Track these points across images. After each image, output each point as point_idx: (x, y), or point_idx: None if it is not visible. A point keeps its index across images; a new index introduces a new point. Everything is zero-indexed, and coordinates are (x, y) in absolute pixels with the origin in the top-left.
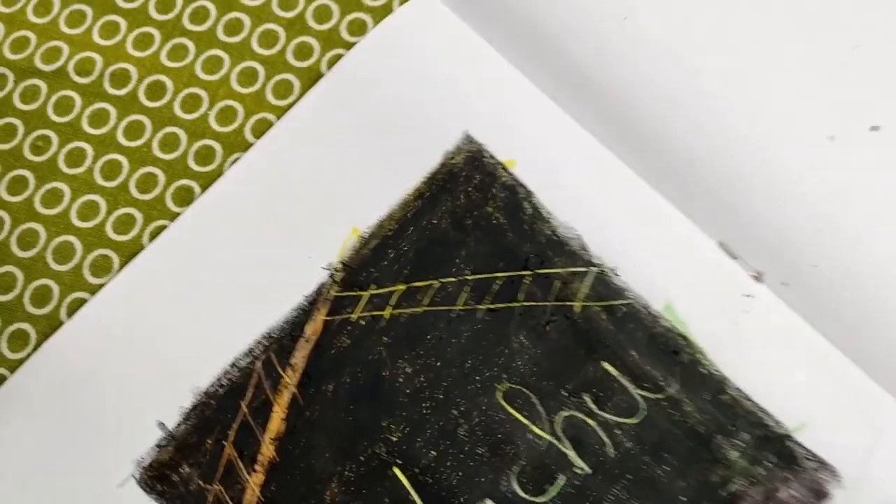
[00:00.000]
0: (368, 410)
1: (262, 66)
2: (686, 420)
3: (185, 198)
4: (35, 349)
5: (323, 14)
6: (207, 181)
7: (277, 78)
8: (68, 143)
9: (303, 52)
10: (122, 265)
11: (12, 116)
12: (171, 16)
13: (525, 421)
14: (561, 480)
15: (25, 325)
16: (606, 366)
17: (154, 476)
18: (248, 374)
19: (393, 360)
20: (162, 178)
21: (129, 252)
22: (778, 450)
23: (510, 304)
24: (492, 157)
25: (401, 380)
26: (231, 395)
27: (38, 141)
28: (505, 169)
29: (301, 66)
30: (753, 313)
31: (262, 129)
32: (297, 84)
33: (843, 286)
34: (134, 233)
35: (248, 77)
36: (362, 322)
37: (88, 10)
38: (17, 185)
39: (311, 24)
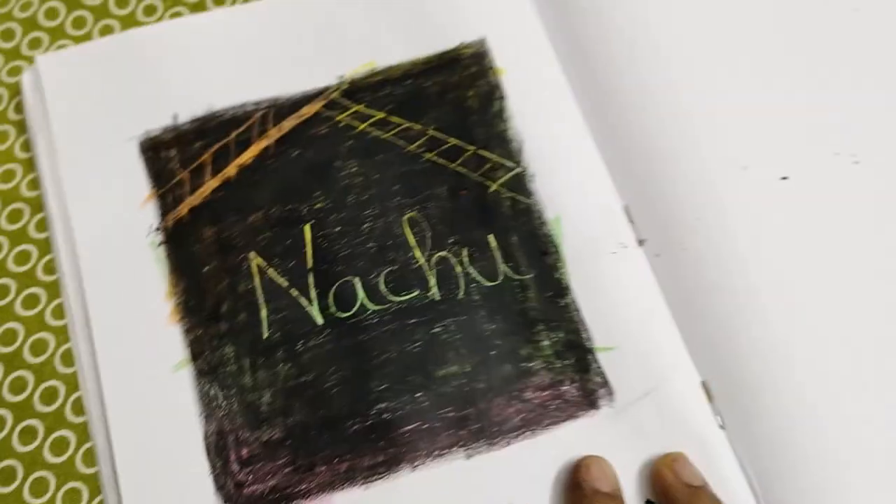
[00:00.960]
0: (311, 178)
1: None
2: (525, 302)
3: None
4: None
5: None
6: None
7: None
8: None
9: None
10: None
11: None
12: None
13: (413, 243)
14: (414, 292)
15: None
16: (490, 238)
17: (149, 147)
18: (250, 114)
19: (347, 158)
20: None
21: None
22: (579, 356)
23: (448, 163)
24: (491, 61)
25: (344, 172)
26: (230, 123)
27: None
28: (496, 73)
29: None
30: (618, 255)
31: None
32: None
33: (695, 269)
34: None
35: None
36: (340, 124)
37: None
38: None
39: None
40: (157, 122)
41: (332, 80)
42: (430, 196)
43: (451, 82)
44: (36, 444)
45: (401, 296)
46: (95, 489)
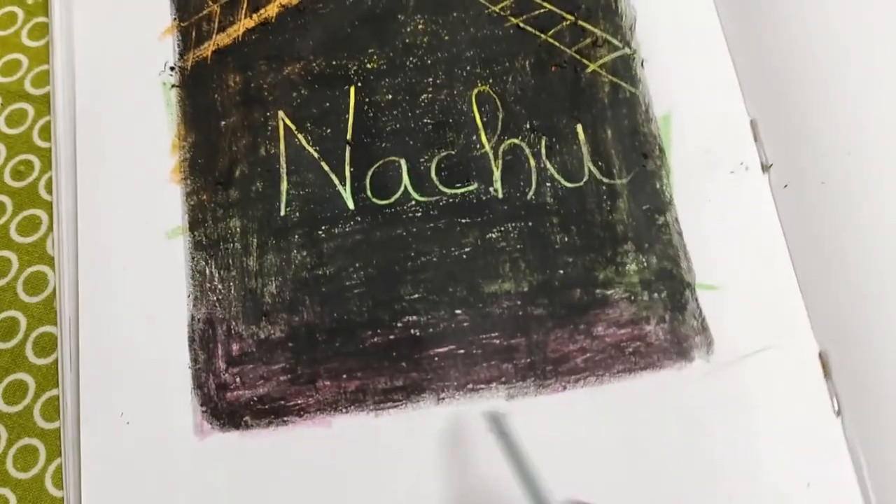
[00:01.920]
0: (367, 31)
1: None
2: (613, 213)
3: None
4: None
5: None
6: None
7: None
8: None
9: None
10: None
11: None
12: None
13: (479, 123)
14: (472, 186)
15: None
16: (578, 128)
17: None
18: None
19: (414, 11)
20: None
21: None
22: (673, 290)
23: (538, 33)
24: None
25: (408, 28)
26: None
27: None
28: None
29: None
30: (736, 176)
31: None
32: None
33: (834, 213)
34: None
35: None
36: None
37: None
38: None
39: None
40: None
41: None
42: (509, 69)
43: None
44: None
45: (454, 187)
46: (51, 377)
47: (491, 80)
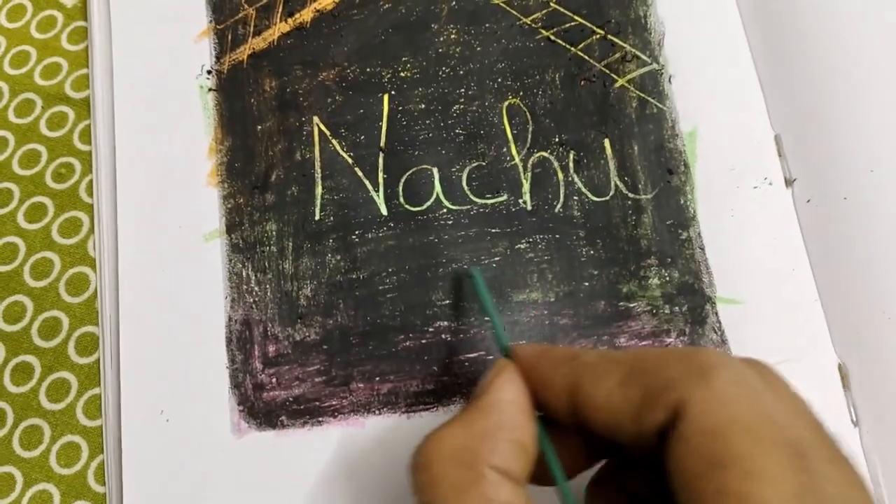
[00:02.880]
0: (401, 40)
1: None
2: (637, 227)
3: None
4: None
5: None
6: None
7: None
8: None
9: None
10: None
11: None
12: None
13: (510, 135)
14: (502, 197)
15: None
16: (606, 143)
17: None
18: None
19: (447, 21)
20: None
21: None
22: (694, 304)
23: (568, 46)
24: None
25: (441, 38)
26: None
27: None
28: None
29: None
30: (759, 191)
31: None
32: None
33: (855, 229)
34: None
35: None
36: None
37: None
38: None
39: None
40: None
41: None
42: (539, 82)
43: None
44: (48, 280)
45: (485, 198)
46: (93, 376)
47: (521, 93)
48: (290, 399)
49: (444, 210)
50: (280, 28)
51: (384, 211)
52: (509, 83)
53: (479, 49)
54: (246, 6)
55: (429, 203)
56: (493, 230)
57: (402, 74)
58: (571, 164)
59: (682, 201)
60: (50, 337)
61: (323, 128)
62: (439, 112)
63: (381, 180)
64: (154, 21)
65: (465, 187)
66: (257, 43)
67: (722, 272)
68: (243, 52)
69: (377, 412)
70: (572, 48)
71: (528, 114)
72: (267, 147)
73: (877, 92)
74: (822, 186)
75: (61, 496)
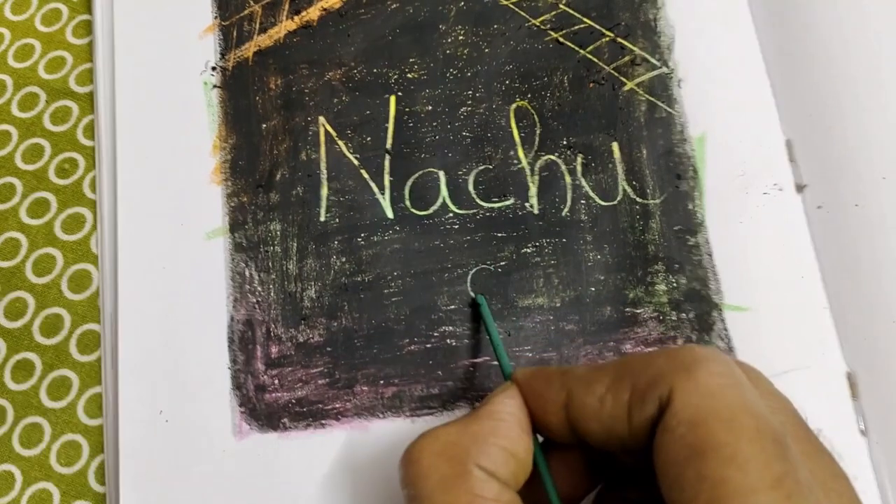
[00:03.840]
0: (408, 40)
1: None
2: (645, 233)
3: None
4: None
5: None
6: None
7: None
8: None
9: None
10: None
11: None
12: None
13: (517, 138)
14: (508, 201)
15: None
16: (614, 146)
17: None
18: None
19: (455, 22)
20: None
21: None
22: (701, 311)
23: (577, 48)
24: None
25: (448, 40)
26: None
27: None
28: None
29: None
30: (769, 197)
31: None
32: None
33: (867, 236)
34: None
35: None
36: None
37: None
38: None
39: None
40: None
41: None
42: (547, 84)
43: None
44: (51, 277)
45: (491, 201)
46: (94, 374)
47: (529, 95)
48: (293, 401)
49: (451, 214)
50: (286, 26)
51: (390, 214)
52: (517, 85)
53: (487, 51)
54: (252, 3)
55: (435, 207)
56: (500, 234)
57: (409, 75)
58: (579, 168)
59: (690, 207)
60: (51, 334)
61: (329, 128)
62: (446, 114)
63: (387, 183)
64: (158, 16)
65: (472, 191)
66: (263, 40)
67: (730, 279)
68: (248, 50)
69: (381, 415)
70: (581, 51)
71: (535, 116)
72: (272, 146)
73: (890, 98)
74: (834, 193)
75: (61, 495)
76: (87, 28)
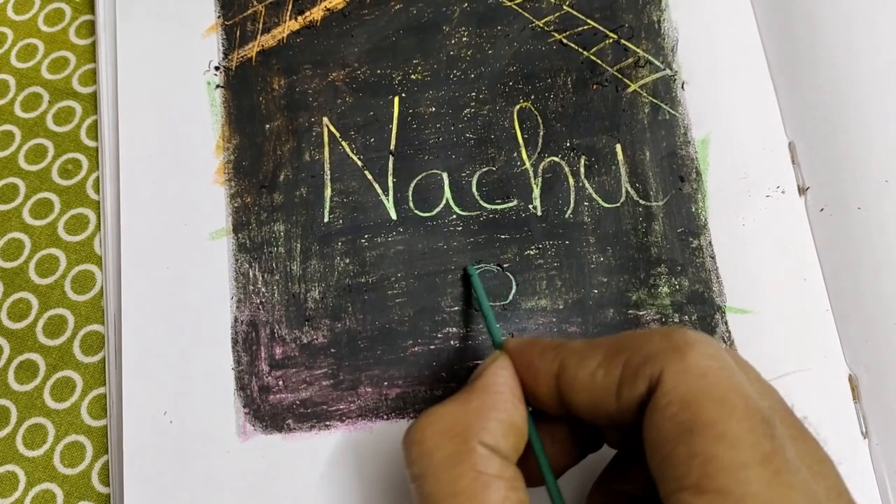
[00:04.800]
0: (412, 41)
1: None
2: (647, 235)
3: None
4: None
5: None
6: None
7: None
8: None
9: None
10: None
11: None
12: None
13: (520, 140)
14: (511, 202)
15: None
16: (617, 148)
17: None
18: None
19: (458, 24)
20: None
21: None
22: (704, 313)
23: (581, 50)
24: None
25: (452, 41)
26: None
27: None
28: None
29: None
30: (772, 199)
31: None
32: None
33: (869, 238)
34: None
35: None
36: None
37: None
38: None
39: None
40: None
41: None
42: (551, 86)
43: None
44: (54, 277)
45: (495, 203)
46: (98, 375)
47: (533, 97)
48: (297, 402)
49: (454, 216)
50: (289, 26)
51: (394, 215)
52: (521, 86)
53: (490, 52)
54: (255, 2)
55: (438, 209)
56: (503, 236)
57: (412, 77)
58: (582, 170)
59: (693, 209)
60: (55, 335)
61: (332, 129)
62: (450, 115)
63: (390, 184)
64: (161, 15)
65: (475, 192)
66: (266, 40)
67: (732, 281)
68: (252, 49)
69: (385, 417)
70: (585, 52)
71: (539, 118)
72: (275, 146)
73: (893, 101)
74: (836, 195)
75: (65, 496)
76: (91, 28)
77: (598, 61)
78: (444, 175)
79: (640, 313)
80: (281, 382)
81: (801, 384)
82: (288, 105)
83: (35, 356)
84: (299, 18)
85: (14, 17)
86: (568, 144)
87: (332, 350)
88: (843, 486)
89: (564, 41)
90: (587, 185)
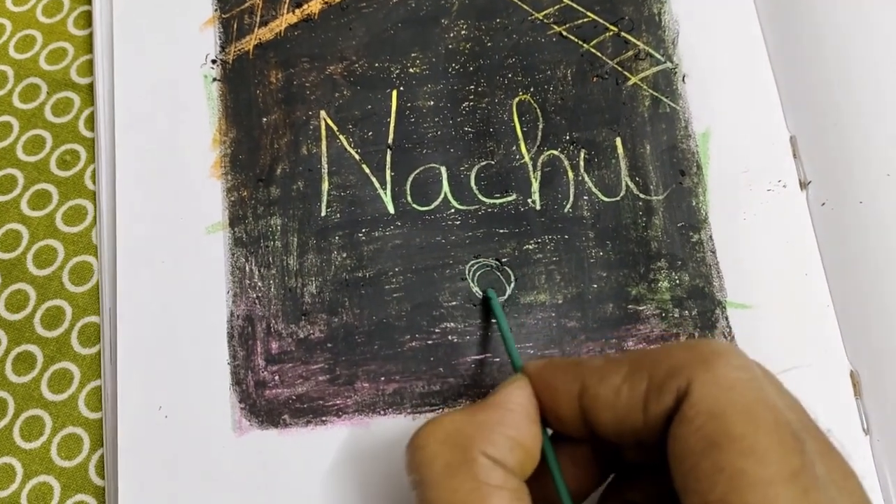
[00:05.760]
0: (410, 35)
1: None
2: (647, 229)
3: None
4: None
5: None
6: None
7: None
8: None
9: None
10: None
11: None
12: None
13: (519, 133)
14: (510, 196)
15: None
16: (618, 142)
17: None
18: None
19: (457, 16)
20: None
21: None
22: (704, 308)
23: (580, 42)
24: None
25: (451, 34)
26: None
27: None
28: None
29: None
30: (773, 194)
31: None
32: None
33: (871, 233)
34: None
35: None
36: None
37: None
38: None
39: None
40: None
41: None
42: (550, 78)
43: None
44: (52, 269)
45: (493, 197)
46: (96, 367)
47: (532, 90)
48: (294, 397)
49: (452, 210)
50: (287, 19)
51: (391, 209)
52: (520, 79)
53: (489, 44)
54: None
55: (436, 203)
56: (502, 230)
57: (411, 70)
58: (582, 163)
59: (693, 203)
60: (53, 326)
61: (330, 122)
62: (448, 109)
63: (388, 178)
64: (158, 8)
65: (474, 186)
66: (263, 33)
67: (733, 276)
68: (249, 43)
69: (382, 412)
70: (585, 45)
71: (538, 111)
72: (272, 140)
73: (894, 94)
74: (838, 189)
75: (62, 489)
76: (89, 19)
77: (598, 54)
78: (443, 169)
79: (640, 308)
80: (277, 377)
81: (801, 380)
82: (285, 98)
83: (33, 347)
84: (297, 11)
85: (12, 8)
86: (567, 138)
87: (329, 345)
88: (869, 502)
89: (564, 33)
90: (587, 178)
